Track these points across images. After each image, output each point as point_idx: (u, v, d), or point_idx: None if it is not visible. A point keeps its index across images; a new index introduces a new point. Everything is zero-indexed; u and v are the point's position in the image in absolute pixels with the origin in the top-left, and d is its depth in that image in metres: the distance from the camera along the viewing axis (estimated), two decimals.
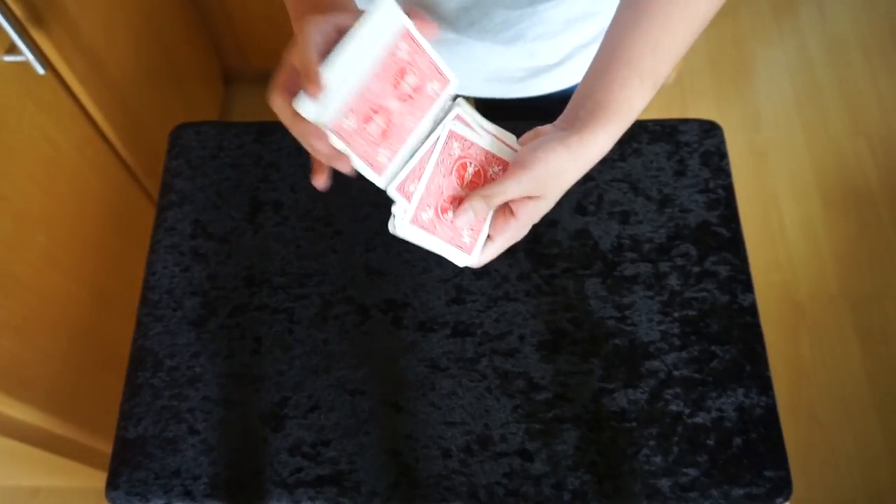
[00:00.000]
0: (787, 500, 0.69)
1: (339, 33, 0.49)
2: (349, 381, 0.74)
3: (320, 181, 0.53)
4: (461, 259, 0.54)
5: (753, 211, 1.76)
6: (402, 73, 0.50)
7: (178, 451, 0.71)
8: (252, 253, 0.80)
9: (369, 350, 0.75)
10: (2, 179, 0.92)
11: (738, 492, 0.68)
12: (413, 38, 0.50)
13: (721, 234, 0.80)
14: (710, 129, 0.86)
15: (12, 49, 0.92)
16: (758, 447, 0.70)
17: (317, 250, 0.80)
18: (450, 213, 0.53)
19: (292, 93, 0.48)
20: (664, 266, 0.78)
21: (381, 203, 0.81)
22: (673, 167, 0.83)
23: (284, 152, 0.85)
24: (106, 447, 1.15)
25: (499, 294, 0.77)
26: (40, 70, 0.95)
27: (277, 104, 0.50)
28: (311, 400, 0.73)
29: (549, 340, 0.75)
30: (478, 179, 0.55)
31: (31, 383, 1.01)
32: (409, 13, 0.50)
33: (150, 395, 0.74)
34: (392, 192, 0.52)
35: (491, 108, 0.87)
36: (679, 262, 0.78)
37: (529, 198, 0.53)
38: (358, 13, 0.50)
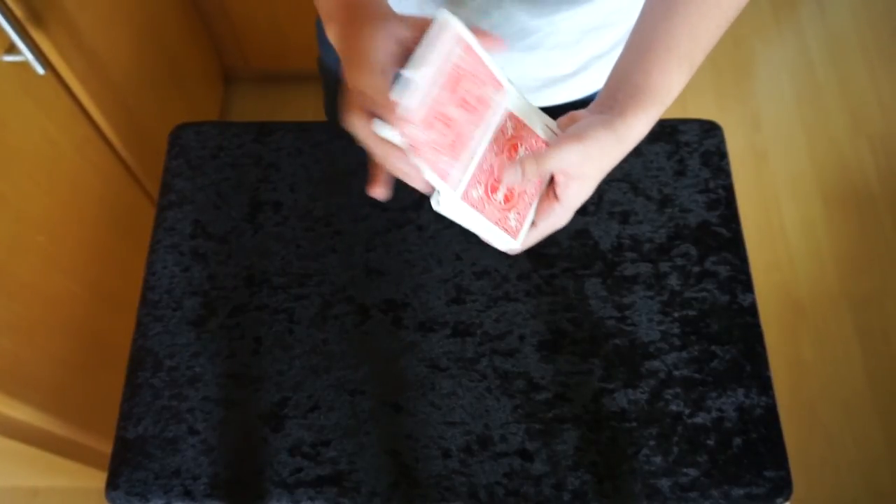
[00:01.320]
0: (787, 500, 0.69)
1: (401, 46, 0.49)
2: (349, 381, 0.74)
3: (382, 192, 0.53)
4: (505, 242, 0.54)
5: (753, 211, 1.76)
6: (462, 83, 0.51)
7: (178, 451, 0.71)
8: (252, 253, 0.80)
9: (369, 350, 0.75)
10: (2, 179, 0.92)
11: (738, 492, 0.68)
12: (473, 51, 0.51)
13: (721, 234, 0.80)
14: (710, 129, 0.86)
15: (12, 49, 0.92)
16: (758, 447, 0.70)
17: (317, 250, 0.80)
18: (499, 193, 0.52)
19: (366, 111, 0.48)
20: (664, 266, 0.78)
21: (381, 203, 0.82)
22: (673, 167, 0.83)
23: (284, 152, 0.85)
24: (106, 447, 1.15)
25: (499, 294, 0.77)
26: (40, 70, 0.95)
27: (358, 127, 0.49)
28: (311, 400, 0.73)
29: (549, 340, 0.75)
30: None
31: (31, 383, 1.01)
32: (471, 29, 0.50)
33: (150, 395, 0.74)
34: (452, 167, 0.51)
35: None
36: (679, 262, 0.78)
37: (572, 179, 0.52)
38: (412, 21, 0.49)
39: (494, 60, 0.52)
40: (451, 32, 0.48)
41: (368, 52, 0.47)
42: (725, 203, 0.81)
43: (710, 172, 0.83)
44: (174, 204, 0.83)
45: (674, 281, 0.77)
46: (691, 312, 0.76)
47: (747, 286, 0.77)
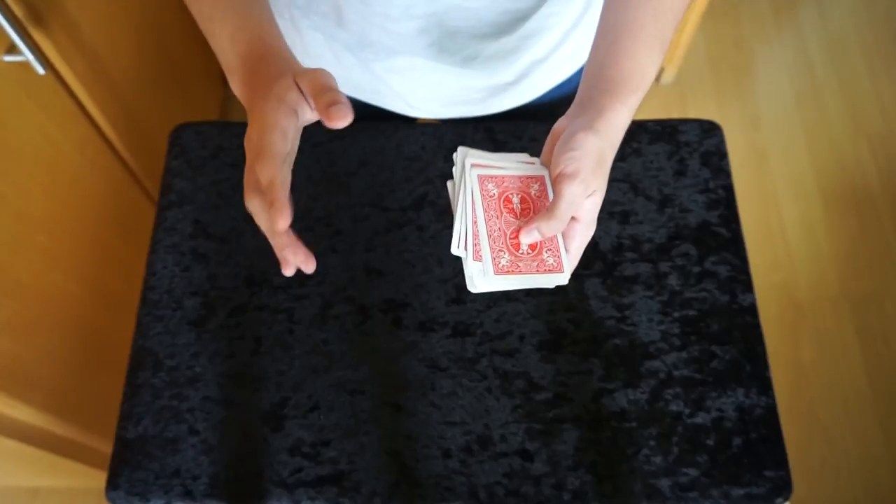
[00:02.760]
0: (787, 500, 0.69)
1: (296, 115, 0.49)
2: (349, 381, 0.74)
3: (292, 271, 0.53)
4: (556, 280, 0.54)
5: (753, 211, 1.76)
6: (508, 200, 0.54)
7: (178, 451, 0.71)
8: (252, 253, 0.80)
9: (369, 350, 0.75)
10: (2, 179, 0.93)
11: (738, 492, 0.68)
12: (493, 177, 0.54)
13: (721, 234, 0.80)
14: (710, 129, 0.86)
15: (12, 49, 0.92)
16: (758, 447, 0.70)
17: (317, 250, 0.80)
18: (523, 248, 0.53)
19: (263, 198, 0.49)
20: (664, 266, 0.78)
21: (381, 203, 0.82)
22: (673, 167, 0.83)
23: None
24: (106, 447, 1.15)
25: (499, 294, 0.77)
26: (40, 70, 0.95)
27: (258, 211, 0.50)
28: (311, 400, 0.73)
29: (549, 340, 0.75)
30: (527, 205, 0.55)
31: (31, 383, 1.01)
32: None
33: (150, 395, 0.74)
34: (460, 253, 0.52)
35: (455, 127, 0.87)
36: (679, 262, 0.78)
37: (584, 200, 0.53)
38: (308, 79, 0.49)
39: (395, 81, 0.54)
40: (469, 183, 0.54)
41: (270, 141, 0.48)
42: (725, 203, 0.81)
43: (710, 172, 0.83)
44: (174, 204, 0.83)
45: (674, 281, 0.77)
46: (691, 312, 0.76)
47: (747, 286, 0.77)
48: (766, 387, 0.73)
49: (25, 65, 0.94)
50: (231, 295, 0.78)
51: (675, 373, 0.73)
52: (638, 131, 0.85)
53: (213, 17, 0.55)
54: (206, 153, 0.86)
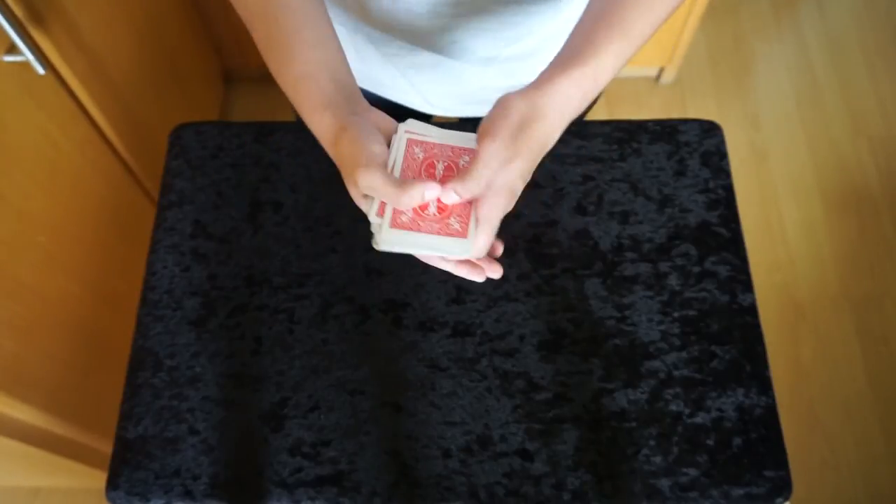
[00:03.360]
0: (787, 500, 0.69)
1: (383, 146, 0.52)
2: (349, 381, 0.74)
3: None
4: (459, 247, 0.52)
5: (753, 211, 1.76)
6: (432, 165, 0.54)
7: (178, 451, 0.71)
8: (252, 253, 0.80)
9: (369, 350, 0.75)
10: (2, 179, 0.93)
11: (738, 492, 0.68)
12: (420, 141, 0.54)
13: (721, 234, 0.80)
14: (710, 129, 0.86)
15: (12, 49, 0.92)
16: (758, 447, 0.70)
17: (317, 250, 0.80)
18: (430, 209, 0.52)
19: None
20: (664, 266, 0.78)
21: None
22: (673, 167, 0.83)
23: (284, 152, 0.85)
24: (106, 447, 1.15)
25: (499, 294, 0.77)
26: (40, 70, 0.95)
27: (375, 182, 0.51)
28: (311, 400, 0.73)
29: (549, 340, 0.75)
30: (451, 173, 0.54)
31: (31, 383, 1.01)
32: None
33: (150, 395, 0.74)
34: (371, 217, 0.52)
35: (473, 127, 0.87)
36: (679, 262, 0.78)
37: (502, 170, 0.51)
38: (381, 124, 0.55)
39: (417, 76, 0.57)
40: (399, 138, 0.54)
41: (371, 155, 0.51)
42: (725, 203, 0.81)
43: (710, 172, 0.83)
44: (174, 204, 0.83)
45: (674, 281, 0.77)
46: (691, 312, 0.76)
47: (747, 286, 0.77)
48: (766, 387, 0.73)
49: (25, 65, 0.94)
50: (231, 295, 0.78)
51: (675, 373, 0.73)
52: (638, 131, 0.85)
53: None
54: (206, 153, 0.86)
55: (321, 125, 0.54)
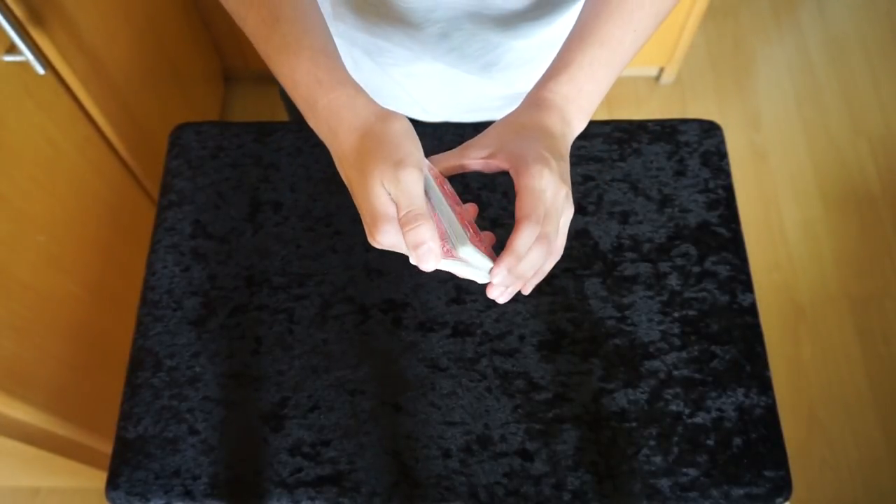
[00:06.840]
0: (787, 500, 0.69)
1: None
2: (349, 381, 0.74)
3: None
4: (486, 267, 0.52)
5: (753, 211, 1.76)
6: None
7: (178, 451, 0.71)
8: (252, 253, 0.80)
9: (369, 350, 0.75)
10: (2, 179, 0.93)
11: (738, 492, 0.68)
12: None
13: (721, 234, 0.80)
14: (710, 129, 0.86)
15: (12, 49, 0.92)
16: (758, 447, 0.70)
17: (317, 250, 0.80)
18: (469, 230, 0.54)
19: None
20: (664, 266, 0.78)
21: None
22: (673, 167, 0.83)
23: (284, 152, 0.85)
24: (106, 447, 1.16)
25: None
26: (40, 70, 0.95)
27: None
28: (311, 400, 0.73)
29: (549, 340, 0.75)
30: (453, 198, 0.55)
31: (31, 383, 1.01)
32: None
33: (150, 395, 0.74)
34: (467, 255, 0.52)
35: (476, 132, 0.88)
36: (679, 262, 0.78)
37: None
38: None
39: (417, 86, 0.58)
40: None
41: (386, 214, 0.50)
42: (725, 203, 0.81)
43: (710, 172, 0.83)
44: (174, 204, 0.83)
45: (674, 281, 0.77)
46: (691, 312, 0.76)
47: (747, 286, 0.77)
48: (765, 387, 0.73)
49: (25, 65, 0.94)
50: (231, 295, 0.78)
51: (675, 373, 0.73)
52: (638, 131, 0.85)
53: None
54: (206, 153, 0.86)
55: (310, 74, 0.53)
